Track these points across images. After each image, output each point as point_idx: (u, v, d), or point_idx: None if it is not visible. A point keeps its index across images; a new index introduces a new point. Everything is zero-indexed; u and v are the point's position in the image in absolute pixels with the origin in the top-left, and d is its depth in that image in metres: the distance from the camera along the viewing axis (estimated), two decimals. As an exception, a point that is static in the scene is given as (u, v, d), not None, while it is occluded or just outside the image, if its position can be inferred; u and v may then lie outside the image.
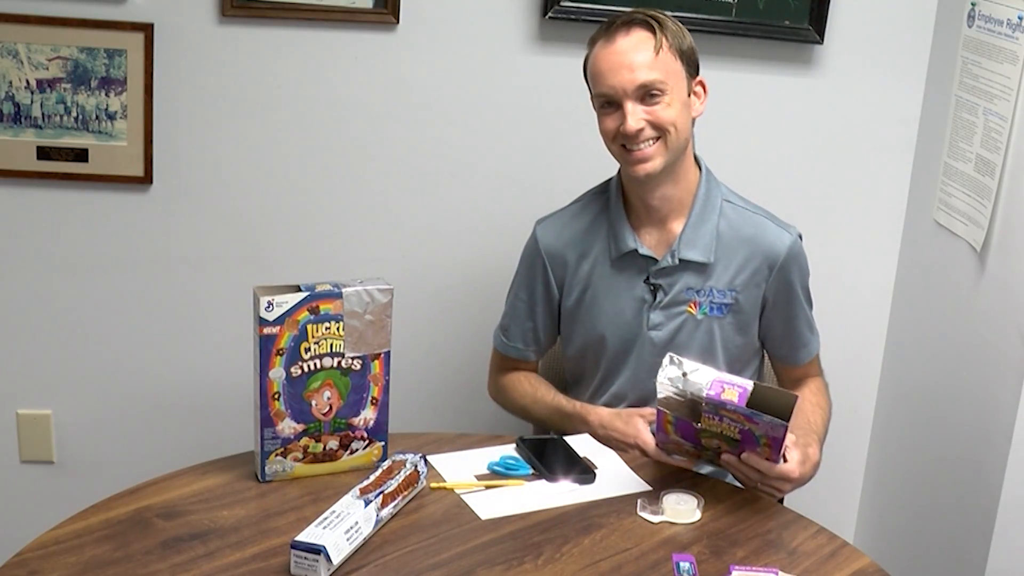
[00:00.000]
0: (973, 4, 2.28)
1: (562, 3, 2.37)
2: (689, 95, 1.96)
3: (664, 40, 1.91)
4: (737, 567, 1.60)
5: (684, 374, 1.76)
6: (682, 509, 1.75)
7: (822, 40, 2.44)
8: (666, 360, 1.78)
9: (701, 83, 1.99)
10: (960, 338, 2.33)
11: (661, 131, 1.91)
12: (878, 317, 2.68)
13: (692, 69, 1.96)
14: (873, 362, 2.71)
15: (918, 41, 2.50)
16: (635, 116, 1.90)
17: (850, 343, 2.66)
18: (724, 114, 2.44)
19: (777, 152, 2.55)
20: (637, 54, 1.90)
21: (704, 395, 1.73)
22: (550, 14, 2.37)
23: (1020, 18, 2.11)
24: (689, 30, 1.98)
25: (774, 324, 2.07)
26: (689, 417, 1.78)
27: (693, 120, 1.99)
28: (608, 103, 1.93)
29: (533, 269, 2.10)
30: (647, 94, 1.90)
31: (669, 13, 1.99)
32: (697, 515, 1.75)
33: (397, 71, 2.41)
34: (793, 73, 2.49)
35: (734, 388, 1.73)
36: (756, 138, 2.53)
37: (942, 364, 2.42)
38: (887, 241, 2.63)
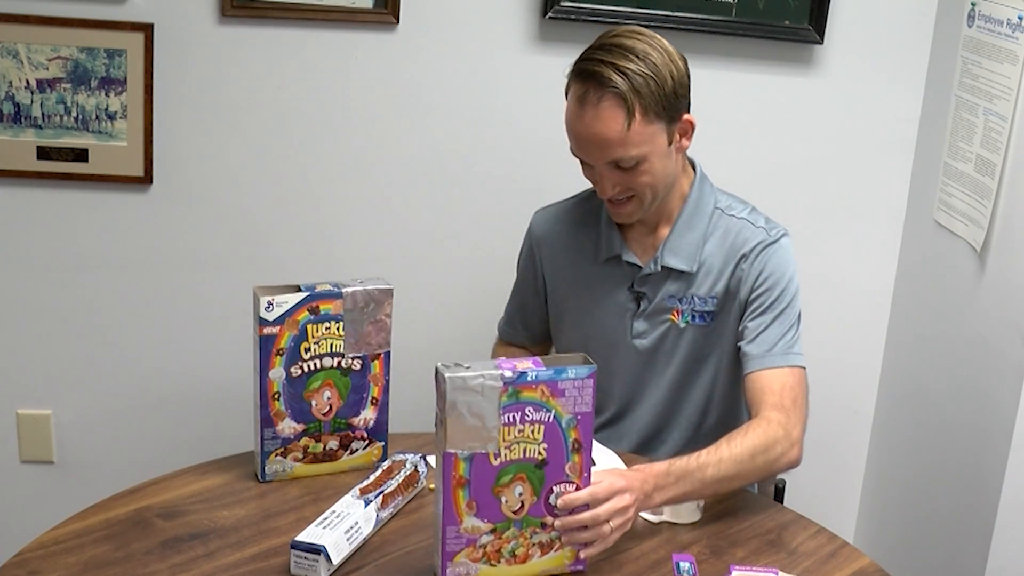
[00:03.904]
0: (973, 4, 2.28)
1: (562, 3, 2.37)
2: (670, 144, 1.84)
3: (636, 109, 1.76)
4: (737, 567, 1.60)
5: (468, 367, 1.52)
6: (682, 509, 1.74)
7: (822, 40, 2.44)
8: (439, 367, 1.53)
9: (688, 122, 1.86)
10: (960, 338, 2.33)
11: (637, 192, 1.86)
12: (878, 317, 2.68)
13: (673, 115, 1.82)
14: (873, 362, 2.70)
15: (918, 41, 2.50)
16: (610, 182, 1.84)
17: (850, 343, 2.65)
18: (724, 114, 2.44)
19: (777, 152, 2.55)
20: (607, 131, 1.78)
21: (499, 372, 1.50)
22: (550, 14, 2.37)
23: (1020, 18, 2.11)
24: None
25: (741, 319, 1.94)
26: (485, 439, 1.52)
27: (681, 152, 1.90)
28: (582, 160, 1.88)
29: (526, 256, 2.12)
30: (618, 166, 1.83)
31: (655, 31, 1.84)
32: (697, 515, 1.75)
33: (397, 71, 2.41)
34: (793, 73, 2.49)
35: (525, 361, 1.53)
36: (756, 138, 2.53)
37: (942, 364, 2.42)
38: (887, 241, 2.63)
